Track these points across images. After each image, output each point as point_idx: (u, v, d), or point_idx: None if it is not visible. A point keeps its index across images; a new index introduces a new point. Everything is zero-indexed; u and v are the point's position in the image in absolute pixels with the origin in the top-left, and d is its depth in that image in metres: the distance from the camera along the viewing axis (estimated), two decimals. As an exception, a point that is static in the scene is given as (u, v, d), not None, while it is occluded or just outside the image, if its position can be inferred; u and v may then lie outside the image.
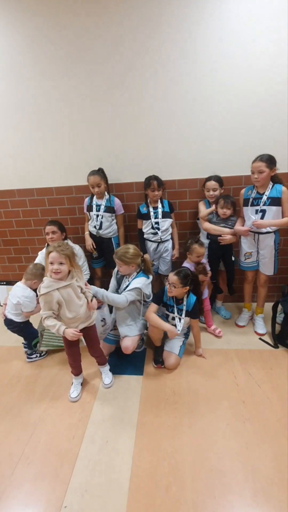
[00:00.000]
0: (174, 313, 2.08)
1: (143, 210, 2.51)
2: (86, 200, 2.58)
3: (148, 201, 2.50)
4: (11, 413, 1.80)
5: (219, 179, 2.38)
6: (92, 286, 1.92)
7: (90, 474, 1.43)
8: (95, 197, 2.52)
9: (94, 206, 2.51)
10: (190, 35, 2.26)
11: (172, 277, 1.97)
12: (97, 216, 2.51)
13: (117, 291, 2.19)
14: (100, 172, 2.47)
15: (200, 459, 1.46)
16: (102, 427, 1.67)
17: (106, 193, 2.52)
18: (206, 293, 2.45)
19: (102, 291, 1.95)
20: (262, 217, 2.14)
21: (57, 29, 2.34)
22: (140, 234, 2.60)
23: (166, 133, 2.52)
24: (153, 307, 2.05)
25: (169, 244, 2.57)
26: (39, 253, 2.58)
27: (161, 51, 2.32)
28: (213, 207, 2.34)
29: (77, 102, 2.50)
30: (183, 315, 2.06)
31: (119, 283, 2.21)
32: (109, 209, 2.51)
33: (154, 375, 2.05)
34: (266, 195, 2.10)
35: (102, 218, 2.50)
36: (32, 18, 2.32)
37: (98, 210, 2.50)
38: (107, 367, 2.06)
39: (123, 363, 2.17)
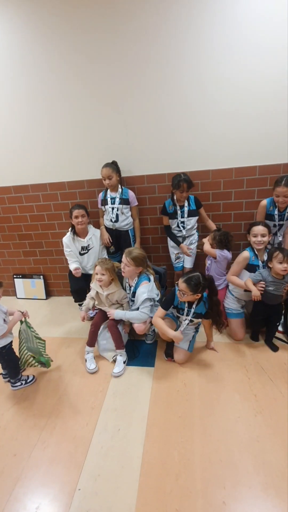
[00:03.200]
0: (185, 315, 2.03)
1: (170, 209, 2.46)
2: (100, 195, 2.60)
3: (175, 199, 2.42)
4: (27, 401, 1.88)
5: (266, 225, 2.11)
6: (115, 311, 2.12)
7: (103, 460, 1.48)
8: (109, 190, 2.53)
9: (109, 200, 2.52)
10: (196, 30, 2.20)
11: (182, 284, 1.85)
12: (113, 209, 2.52)
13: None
14: (113, 164, 2.48)
15: (210, 450, 1.48)
16: (114, 416, 1.72)
17: (119, 185, 2.53)
18: None
19: (122, 314, 2.11)
20: None
21: (64, 21, 2.32)
22: (167, 229, 2.59)
23: (177, 126, 2.48)
24: (161, 312, 2.00)
25: (194, 237, 2.56)
26: (64, 239, 2.56)
27: (172, 43, 2.26)
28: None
29: (89, 96, 2.50)
30: (192, 316, 2.01)
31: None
32: (124, 201, 2.52)
33: (165, 367, 2.07)
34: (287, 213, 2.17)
35: (117, 210, 2.52)
36: (37, 11, 2.32)
37: (113, 203, 2.52)
38: (121, 358, 2.09)
39: (135, 355, 2.21)
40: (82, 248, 2.58)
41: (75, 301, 2.75)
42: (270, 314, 2.12)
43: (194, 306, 1.98)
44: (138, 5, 2.21)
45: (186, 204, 2.44)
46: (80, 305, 2.78)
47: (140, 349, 2.29)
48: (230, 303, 2.28)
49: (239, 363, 2.04)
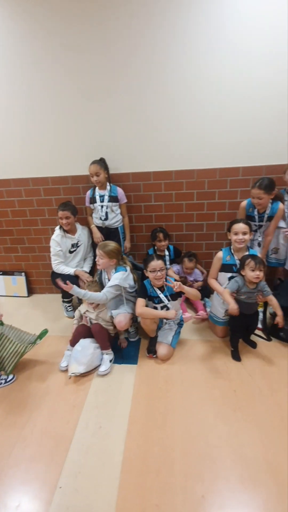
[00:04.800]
0: (162, 302, 2.10)
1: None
2: (88, 193, 2.57)
3: (155, 248, 2.69)
4: (7, 400, 1.85)
5: (248, 222, 2.11)
6: (74, 286, 2.01)
7: (83, 457, 1.47)
8: (97, 188, 2.50)
9: (97, 197, 2.50)
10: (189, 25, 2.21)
11: (157, 262, 2.02)
12: (102, 207, 2.50)
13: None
14: (101, 161, 2.45)
15: (191, 445, 1.50)
16: (96, 413, 1.71)
17: (107, 183, 2.50)
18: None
19: (82, 291, 2.04)
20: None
21: (49, 14, 2.27)
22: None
23: (162, 125, 2.48)
24: (141, 301, 2.06)
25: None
26: (54, 237, 2.51)
27: (160, 41, 2.26)
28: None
29: (74, 91, 2.46)
30: (168, 297, 2.10)
31: (99, 281, 2.30)
32: (113, 198, 2.50)
33: (148, 365, 2.08)
34: (267, 214, 2.26)
35: (107, 208, 2.50)
36: (20, 2, 2.25)
37: (102, 201, 2.50)
38: (108, 356, 2.08)
39: (118, 352, 2.21)
40: (72, 245, 2.56)
41: (63, 297, 2.71)
42: (248, 323, 2.10)
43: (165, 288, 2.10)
44: (124, 2, 2.19)
45: (166, 253, 2.65)
46: (64, 301, 2.72)
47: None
48: (216, 312, 2.27)
49: (220, 359, 2.08)
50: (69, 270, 2.52)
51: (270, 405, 1.70)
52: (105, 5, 2.22)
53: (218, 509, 1.24)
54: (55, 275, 2.51)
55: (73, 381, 1.95)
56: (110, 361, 2.08)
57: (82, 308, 2.26)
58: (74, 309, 2.69)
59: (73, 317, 2.48)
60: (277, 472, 1.36)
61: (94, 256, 2.62)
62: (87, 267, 2.64)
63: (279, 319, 1.96)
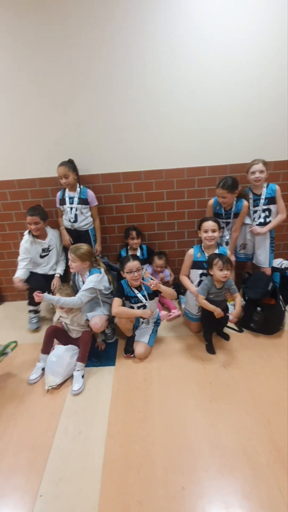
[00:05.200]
0: (138, 302, 2.13)
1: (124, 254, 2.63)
2: (58, 194, 2.53)
3: (128, 248, 2.72)
4: (-20, 414, 1.77)
5: (216, 220, 2.18)
6: (45, 294, 1.93)
7: (64, 464, 1.46)
8: (67, 190, 2.46)
9: (67, 199, 2.46)
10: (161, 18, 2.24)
11: (134, 263, 2.04)
12: (71, 209, 2.46)
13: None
14: (69, 163, 2.42)
15: (170, 439, 1.54)
16: (75, 419, 1.70)
17: (77, 185, 2.47)
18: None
19: (56, 298, 1.98)
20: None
21: (16, 19, 2.21)
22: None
23: (127, 125, 2.50)
24: (118, 301, 2.07)
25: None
26: (24, 244, 2.43)
27: (131, 38, 2.28)
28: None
29: (38, 92, 2.40)
30: (146, 296, 2.13)
31: (73, 283, 2.27)
32: (83, 201, 2.47)
33: (126, 365, 2.09)
34: (232, 211, 2.37)
35: (76, 210, 2.46)
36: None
37: (71, 203, 2.46)
38: (80, 372, 1.96)
39: (95, 355, 2.19)
40: (43, 250, 2.49)
41: (29, 304, 2.54)
42: (220, 319, 2.12)
43: (143, 288, 2.13)
44: (85, 3, 2.18)
45: (139, 252, 2.66)
46: (31, 311, 2.58)
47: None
48: (190, 308, 2.33)
49: (196, 354, 2.15)
50: (18, 273, 2.39)
51: (244, 393, 1.78)
52: (66, 8, 2.19)
53: (198, 498, 1.28)
54: (32, 282, 2.44)
55: (50, 388, 1.92)
56: (82, 376, 1.97)
57: (56, 314, 2.21)
58: (40, 320, 2.62)
59: (37, 329, 2.47)
60: (252, 456, 1.43)
61: (67, 258, 2.59)
62: (60, 270, 2.58)
63: (234, 317, 2.08)
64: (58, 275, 2.52)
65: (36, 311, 2.60)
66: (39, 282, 2.43)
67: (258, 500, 1.26)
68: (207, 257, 2.14)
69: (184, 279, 2.26)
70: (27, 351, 2.30)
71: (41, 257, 2.50)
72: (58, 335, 2.14)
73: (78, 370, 1.96)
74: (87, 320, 2.15)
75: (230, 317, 2.20)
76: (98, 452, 1.50)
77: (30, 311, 2.59)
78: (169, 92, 2.40)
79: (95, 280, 2.09)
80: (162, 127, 2.50)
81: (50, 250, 2.53)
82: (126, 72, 2.36)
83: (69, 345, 2.08)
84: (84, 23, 2.24)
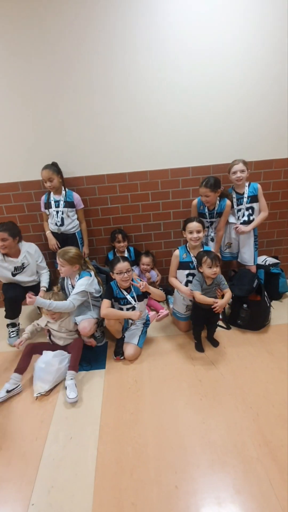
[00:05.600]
0: (127, 304, 2.13)
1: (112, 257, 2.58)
2: (43, 197, 2.49)
3: (115, 250, 2.71)
4: None
5: (200, 220, 2.19)
6: (37, 297, 1.90)
7: (55, 471, 1.44)
8: (52, 193, 2.43)
9: (52, 203, 2.43)
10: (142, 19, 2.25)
11: (124, 264, 2.05)
12: (57, 212, 2.43)
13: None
14: (53, 166, 2.38)
15: (162, 439, 1.55)
16: (66, 425, 1.68)
17: (63, 188, 2.44)
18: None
19: (48, 301, 1.93)
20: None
21: None
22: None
23: (110, 127, 2.49)
24: (107, 303, 2.07)
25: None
26: None
27: (113, 41, 2.27)
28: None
29: (19, 94, 2.36)
30: (135, 298, 2.14)
31: (62, 287, 2.23)
32: (69, 204, 2.45)
33: (116, 368, 2.09)
34: (216, 211, 2.40)
35: (62, 214, 2.43)
36: None
37: (57, 206, 2.43)
38: (72, 381, 1.88)
39: (85, 359, 2.18)
40: (16, 268, 2.31)
41: (6, 317, 2.40)
42: (209, 316, 2.14)
43: (132, 289, 2.13)
44: (65, 4, 2.16)
45: (126, 255, 2.65)
46: (9, 324, 2.44)
47: (90, 353, 2.26)
48: (178, 308, 2.36)
49: (185, 352, 2.17)
50: None
51: (233, 389, 1.82)
52: (48, 10, 2.16)
53: (191, 496, 1.30)
54: (6, 290, 2.34)
55: (39, 396, 1.88)
56: (75, 385, 1.89)
57: (42, 321, 2.13)
58: (20, 333, 2.45)
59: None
60: (242, 451, 1.46)
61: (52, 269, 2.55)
62: (45, 283, 2.44)
63: (219, 307, 1.98)
64: (44, 288, 2.40)
65: (14, 324, 2.45)
66: (15, 290, 2.32)
67: (249, 493, 1.29)
68: (192, 257, 2.16)
69: (173, 281, 2.27)
70: (8, 358, 2.24)
71: (13, 275, 2.32)
72: (39, 351, 2.04)
73: (71, 379, 1.89)
74: (76, 324, 2.13)
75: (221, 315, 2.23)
76: (90, 457, 1.49)
77: (8, 325, 2.45)
78: (151, 95, 2.42)
79: (86, 283, 2.07)
80: (145, 129, 2.51)
81: (24, 268, 2.35)
82: (108, 74, 2.35)
83: (58, 351, 2.04)
84: (66, 25, 2.22)
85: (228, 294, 2.09)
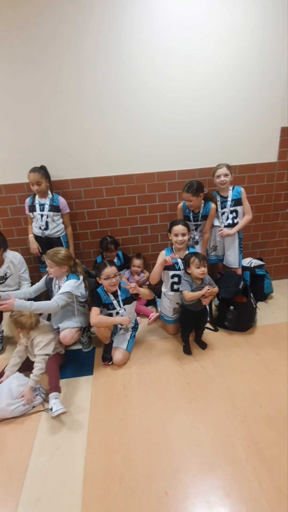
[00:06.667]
0: (115, 308, 2.11)
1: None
2: (27, 200, 2.43)
3: (104, 255, 2.67)
4: None
5: (186, 223, 2.20)
6: (16, 300, 1.79)
7: (42, 483, 1.39)
8: (37, 196, 2.38)
9: (37, 206, 2.38)
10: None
11: (111, 269, 2.03)
12: (42, 216, 2.38)
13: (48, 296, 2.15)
14: (42, 169, 2.34)
15: (151, 444, 1.53)
16: (52, 434, 1.63)
17: (49, 191, 2.40)
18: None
19: (28, 302, 1.83)
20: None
21: None
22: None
23: (96, 130, 2.47)
24: (96, 310, 2.03)
25: None
26: None
27: (98, 44, 2.26)
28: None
29: (7, 96, 2.31)
30: (122, 301, 2.12)
31: (48, 286, 2.18)
32: (54, 208, 2.40)
33: (104, 373, 2.06)
34: (201, 214, 2.44)
35: (47, 218, 2.38)
36: None
37: (42, 210, 2.38)
38: (57, 400, 1.74)
39: (73, 365, 2.14)
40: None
41: None
42: (198, 319, 2.18)
43: (119, 293, 2.11)
44: (51, 8, 2.15)
45: (116, 261, 2.63)
46: None
47: (78, 359, 2.22)
48: (166, 311, 2.36)
49: (174, 356, 2.17)
50: None
51: (221, 391, 1.82)
52: (35, 12, 2.14)
53: (180, 502, 1.28)
54: None
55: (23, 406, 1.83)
56: (56, 398, 1.75)
57: (21, 348, 2.00)
58: (4, 340, 2.36)
59: (0, 350, 2.27)
60: (231, 452, 1.46)
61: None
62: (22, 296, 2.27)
63: (210, 293, 2.02)
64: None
65: None
66: None
67: (239, 495, 1.29)
68: (178, 259, 2.17)
69: (154, 269, 2.22)
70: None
71: None
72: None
73: (55, 398, 1.73)
74: (58, 331, 2.08)
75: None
76: (78, 467, 1.45)
77: None
78: (136, 99, 2.42)
79: (72, 285, 2.02)
80: (131, 133, 2.51)
81: (6, 278, 2.28)
82: (94, 79, 2.34)
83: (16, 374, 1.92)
84: (52, 28, 2.19)
85: (216, 288, 2.10)
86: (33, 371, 1.84)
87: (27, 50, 2.23)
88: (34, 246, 2.45)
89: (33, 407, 1.80)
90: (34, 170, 2.30)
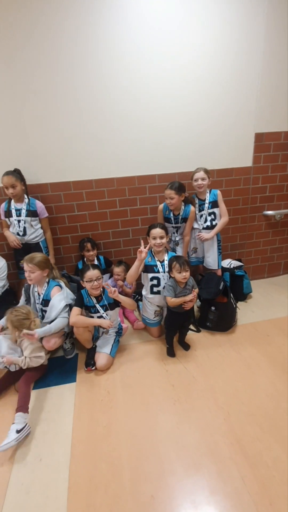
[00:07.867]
0: (98, 312, 2.11)
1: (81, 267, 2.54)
2: (3, 206, 2.36)
3: (84, 259, 2.66)
4: None
5: (164, 226, 2.23)
6: (36, 331, 1.86)
7: (23, 497, 1.34)
8: (13, 201, 2.32)
9: (13, 211, 2.31)
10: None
11: (94, 272, 2.03)
12: (19, 221, 2.32)
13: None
14: (16, 172, 2.28)
15: (136, 449, 1.52)
16: (34, 446, 1.58)
17: (25, 195, 2.34)
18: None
19: (48, 327, 1.93)
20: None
21: None
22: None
23: (74, 133, 2.46)
24: (77, 310, 2.04)
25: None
26: None
27: (75, 48, 2.25)
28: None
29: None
30: (104, 307, 2.12)
31: (26, 294, 2.15)
32: (31, 213, 2.34)
33: (88, 379, 2.02)
34: (181, 216, 2.46)
35: (25, 223, 2.32)
36: None
37: (18, 215, 2.31)
38: (16, 425, 1.57)
39: (56, 373, 2.09)
40: None
41: None
42: (183, 321, 2.20)
43: (103, 296, 2.12)
44: (27, 9, 2.12)
45: (96, 263, 2.60)
46: None
47: (59, 366, 2.17)
48: (147, 314, 2.37)
49: (157, 358, 2.17)
50: None
51: (204, 391, 1.85)
52: (9, 14, 2.10)
53: (167, 504, 1.28)
54: None
55: (1, 418, 1.76)
56: (18, 431, 1.55)
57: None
58: None
59: None
60: (215, 451, 1.49)
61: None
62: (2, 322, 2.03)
63: (190, 301, 2.06)
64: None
65: None
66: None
67: (223, 492, 1.31)
68: (157, 261, 2.19)
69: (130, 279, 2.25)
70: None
71: None
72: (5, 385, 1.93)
73: (16, 423, 1.57)
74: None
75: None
76: (62, 478, 1.41)
77: None
78: (114, 102, 2.43)
79: (63, 297, 2.05)
80: (110, 136, 2.52)
81: None
82: (72, 82, 2.33)
83: None
84: (28, 31, 2.16)
85: (196, 289, 2.13)
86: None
87: (1, 51, 2.18)
88: (11, 238, 2.35)
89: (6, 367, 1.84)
90: (7, 173, 2.25)
